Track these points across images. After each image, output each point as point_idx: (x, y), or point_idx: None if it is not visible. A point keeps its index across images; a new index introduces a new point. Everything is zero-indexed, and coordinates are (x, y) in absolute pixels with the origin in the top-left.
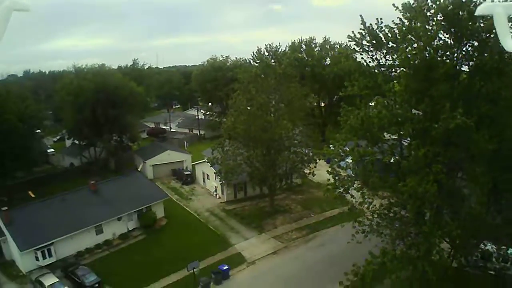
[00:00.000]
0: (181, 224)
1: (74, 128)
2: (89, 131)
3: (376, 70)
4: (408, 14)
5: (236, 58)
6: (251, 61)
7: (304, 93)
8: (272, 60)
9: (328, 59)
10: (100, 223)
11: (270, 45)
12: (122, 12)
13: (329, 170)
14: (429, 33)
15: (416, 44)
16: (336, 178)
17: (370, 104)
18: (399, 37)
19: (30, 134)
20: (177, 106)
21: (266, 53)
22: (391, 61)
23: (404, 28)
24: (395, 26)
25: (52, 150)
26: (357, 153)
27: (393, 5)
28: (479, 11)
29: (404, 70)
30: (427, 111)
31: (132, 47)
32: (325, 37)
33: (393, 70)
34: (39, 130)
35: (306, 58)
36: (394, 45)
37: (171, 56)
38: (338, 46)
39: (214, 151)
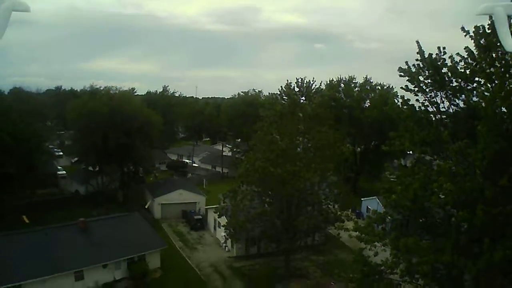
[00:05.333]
0: (177, 280)
1: (83, 153)
2: (98, 158)
3: (437, 120)
4: (484, 42)
5: (269, 93)
6: (278, 97)
7: (338, 139)
8: (303, 98)
9: (367, 101)
10: (81, 269)
11: (302, 79)
12: (167, 41)
13: (356, 258)
14: None
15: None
16: (365, 268)
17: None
18: (474, 71)
19: (29, 154)
20: (206, 139)
21: (297, 89)
22: (455, 107)
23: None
24: (467, 57)
25: (64, 172)
26: (403, 247)
27: (462, 28)
28: (479, 11)
29: (485, 120)
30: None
31: (174, 76)
32: (366, 77)
33: (459, 119)
34: (59, 150)
35: (344, 99)
36: (463, 85)
37: (211, 87)
38: (379, 88)
39: (225, 199)
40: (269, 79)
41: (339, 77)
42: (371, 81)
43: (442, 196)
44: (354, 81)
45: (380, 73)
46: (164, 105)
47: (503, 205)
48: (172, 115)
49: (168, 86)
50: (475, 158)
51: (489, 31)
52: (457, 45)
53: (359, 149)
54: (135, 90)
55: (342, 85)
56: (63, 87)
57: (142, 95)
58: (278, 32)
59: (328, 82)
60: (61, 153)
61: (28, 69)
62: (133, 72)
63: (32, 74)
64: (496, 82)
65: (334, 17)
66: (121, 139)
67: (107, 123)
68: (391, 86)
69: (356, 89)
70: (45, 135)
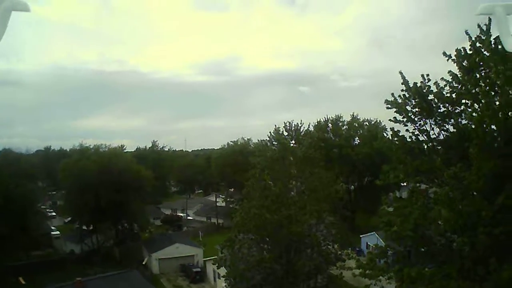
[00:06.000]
0: None
1: (76, 212)
2: (91, 216)
3: (429, 148)
4: (466, 63)
5: (258, 140)
6: (268, 143)
7: (331, 179)
8: (293, 141)
9: (357, 138)
10: None
11: (289, 123)
12: (152, 95)
13: None
14: None
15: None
16: None
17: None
18: (460, 94)
19: (21, 215)
20: (199, 191)
21: (286, 133)
22: (445, 132)
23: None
24: (452, 80)
25: (58, 232)
26: (407, 277)
27: (444, 53)
28: (479, 11)
29: (476, 141)
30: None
31: (162, 130)
32: (352, 114)
33: (450, 144)
34: (51, 210)
35: (333, 138)
36: (450, 109)
37: (200, 139)
38: (367, 124)
39: (223, 249)
40: (256, 125)
41: (326, 117)
42: (358, 117)
43: (441, 223)
44: (341, 120)
45: (366, 109)
46: (154, 160)
47: (503, 224)
48: (163, 169)
49: (157, 141)
50: (470, 180)
51: (470, 52)
52: (441, 71)
53: (352, 186)
54: (124, 147)
55: (330, 125)
56: (52, 147)
57: (131, 151)
58: (262, 78)
59: (316, 123)
60: (53, 214)
61: (16, 130)
62: (121, 129)
63: (21, 135)
64: (482, 101)
65: (317, 59)
66: (114, 197)
67: (99, 182)
68: (378, 121)
69: (344, 127)
70: (36, 195)
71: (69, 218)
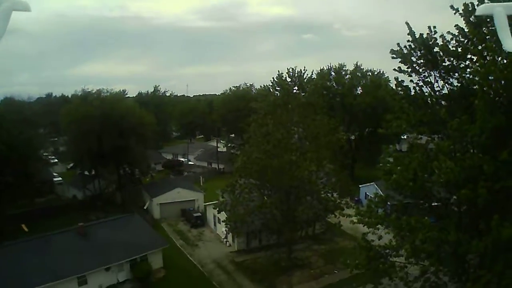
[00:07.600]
0: (181, 278)
1: (78, 158)
2: (93, 162)
3: (433, 100)
4: (474, 19)
5: (261, 86)
6: (271, 88)
7: (333, 126)
8: (296, 88)
9: (359, 88)
10: (84, 274)
11: (293, 69)
12: (154, 41)
13: (361, 244)
14: None
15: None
16: (370, 253)
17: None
18: (466, 49)
19: (25, 162)
20: (200, 136)
21: (289, 79)
22: (450, 86)
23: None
24: (458, 34)
25: (60, 179)
26: (406, 225)
27: (451, 6)
28: (479, 11)
29: (481, 95)
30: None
31: (163, 75)
32: (356, 64)
33: (454, 98)
34: (53, 157)
35: (336, 87)
36: (455, 63)
37: (201, 85)
38: (370, 74)
39: (224, 194)
40: (259, 72)
41: (330, 65)
42: (362, 67)
43: (442, 175)
44: (344, 69)
45: (369, 60)
46: (156, 105)
47: (504, 179)
48: (164, 114)
49: (159, 86)
50: (473, 134)
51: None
52: (446, 27)
53: (353, 136)
54: (126, 92)
55: (333, 73)
56: (54, 94)
57: (133, 96)
58: (266, 25)
59: (319, 71)
60: (56, 160)
61: (17, 78)
62: (123, 75)
63: (22, 83)
64: (488, 58)
65: (320, 7)
66: (115, 142)
67: (100, 126)
68: (382, 72)
69: (347, 76)
70: (39, 142)
71: (71, 164)
